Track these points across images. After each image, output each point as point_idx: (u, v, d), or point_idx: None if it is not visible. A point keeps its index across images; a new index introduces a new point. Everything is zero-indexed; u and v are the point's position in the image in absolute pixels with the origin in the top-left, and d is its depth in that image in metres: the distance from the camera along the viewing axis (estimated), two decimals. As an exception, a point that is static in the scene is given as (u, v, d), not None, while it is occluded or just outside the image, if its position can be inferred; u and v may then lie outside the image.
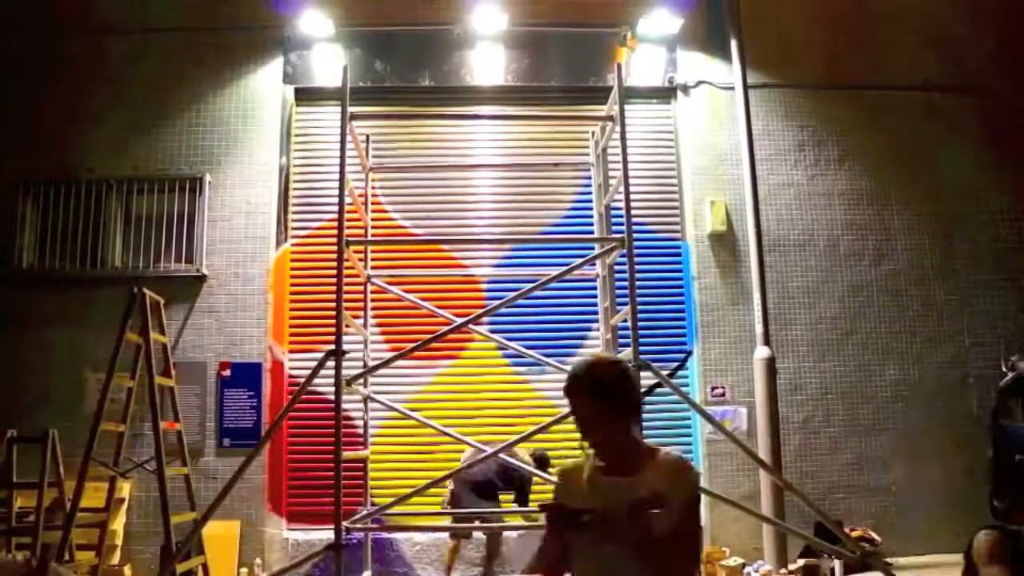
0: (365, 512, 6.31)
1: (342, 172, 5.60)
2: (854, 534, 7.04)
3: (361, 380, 6.45)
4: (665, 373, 5.69)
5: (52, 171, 7.90)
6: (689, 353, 7.91)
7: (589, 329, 7.76)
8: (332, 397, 7.17)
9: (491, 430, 7.47)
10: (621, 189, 5.70)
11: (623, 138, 5.65)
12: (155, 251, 7.87)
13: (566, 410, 5.98)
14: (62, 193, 7.84)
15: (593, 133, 7.26)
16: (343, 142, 5.64)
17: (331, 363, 5.38)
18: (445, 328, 5.97)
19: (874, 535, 7.25)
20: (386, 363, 6.87)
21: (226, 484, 5.29)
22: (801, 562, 6.78)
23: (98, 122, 8.02)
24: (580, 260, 5.91)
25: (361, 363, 6.95)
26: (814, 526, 6.53)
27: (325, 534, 7.27)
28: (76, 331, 7.62)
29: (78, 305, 7.67)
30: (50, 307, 7.67)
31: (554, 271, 5.98)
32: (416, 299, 7.12)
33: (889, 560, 7.22)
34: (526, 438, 5.73)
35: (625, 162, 5.64)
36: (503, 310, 6.81)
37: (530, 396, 7.91)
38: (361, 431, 6.92)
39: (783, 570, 6.81)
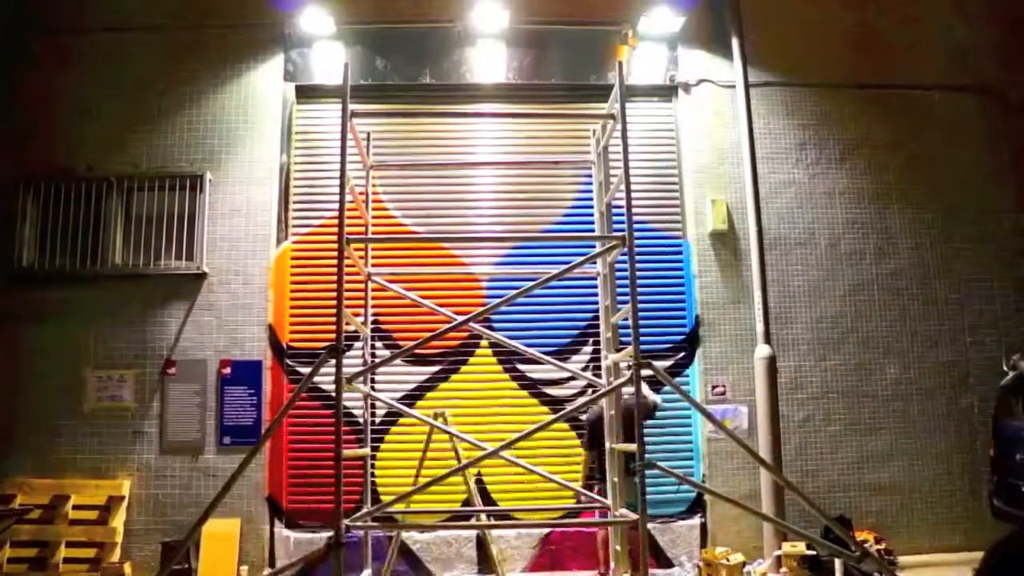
0: (365, 510, 6.32)
1: (343, 170, 5.59)
2: (859, 536, 7.04)
3: (361, 378, 6.46)
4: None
5: (52, 169, 7.89)
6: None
7: (590, 327, 7.75)
8: (333, 394, 7.23)
9: (492, 427, 7.48)
10: (622, 187, 5.68)
11: (624, 136, 5.63)
12: (156, 249, 7.87)
13: (573, 405, 5.96)
14: (63, 191, 7.83)
15: (594, 131, 7.25)
16: (343, 140, 5.63)
17: (331, 360, 5.36)
18: (446, 326, 5.96)
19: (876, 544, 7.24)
20: (386, 361, 6.88)
21: (227, 482, 5.30)
22: (787, 546, 6.78)
23: (98, 120, 8.01)
24: (581, 259, 5.90)
25: (361, 361, 6.96)
26: (822, 528, 6.53)
27: (327, 532, 7.31)
28: (77, 329, 7.62)
29: (79, 303, 7.68)
30: (51, 305, 7.67)
31: (555, 269, 5.97)
32: (417, 297, 7.12)
33: (892, 559, 7.27)
34: (527, 436, 5.72)
35: (626, 160, 5.63)
36: (504, 308, 6.82)
37: (531, 393, 7.90)
38: (361, 428, 6.92)
39: (783, 569, 6.81)
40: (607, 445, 6.36)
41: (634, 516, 5.27)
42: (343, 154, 5.60)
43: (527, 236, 8.18)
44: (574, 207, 8.22)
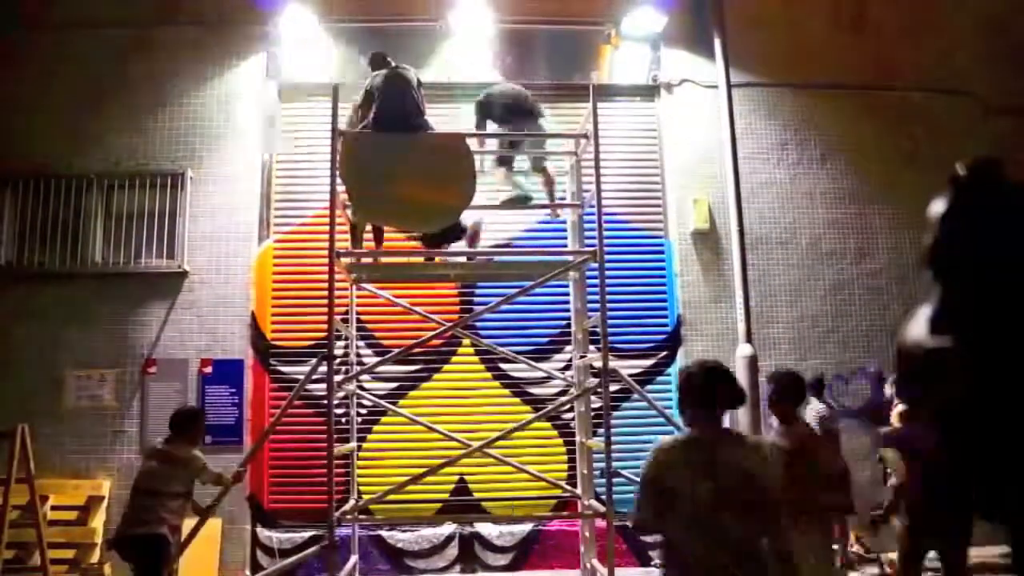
0: (352, 504, 6.36)
1: (332, 186, 5.57)
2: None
3: (350, 379, 6.51)
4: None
5: (32, 166, 7.81)
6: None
7: (569, 327, 7.75)
8: (314, 393, 7.23)
9: (474, 426, 7.46)
10: (594, 203, 5.77)
11: (596, 156, 5.75)
12: (136, 247, 7.81)
13: (548, 407, 5.99)
14: (42, 188, 7.76)
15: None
16: (333, 151, 5.61)
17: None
18: (430, 333, 6.02)
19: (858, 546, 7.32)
20: (375, 365, 6.87)
21: (221, 490, 5.34)
22: None
23: (78, 117, 7.94)
24: (553, 272, 5.98)
25: (347, 360, 6.98)
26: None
27: (307, 532, 7.30)
28: (56, 328, 7.56)
29: (58, 301, 7.61)
30: (30, 303, 7.60)
31: (535, 267, 6.02)
32: (401, 302, 7.12)
33: (872, 556, 7.35)
34: (506, 435, 5.76)
35: (598, 180, 5.73)
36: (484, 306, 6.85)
37: (513, 392, 7.90)
38: (345, 425, 6.94)
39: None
40: (588, 442, 6.38)
41: (602, 508, 5.35)
42: (333, 175, 5.60)
43: (498, 251, 7.96)
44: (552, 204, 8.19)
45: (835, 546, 6.49)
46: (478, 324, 7.68)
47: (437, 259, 6.46)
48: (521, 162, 6.84)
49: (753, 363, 7.51)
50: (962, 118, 8.64)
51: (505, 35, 8.39)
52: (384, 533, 7.42)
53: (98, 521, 7.18)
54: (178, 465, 5.20)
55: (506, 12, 8.28)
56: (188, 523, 5.38)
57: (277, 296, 7.91)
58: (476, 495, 7.64)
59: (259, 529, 7.43)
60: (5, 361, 7.47)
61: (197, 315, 7.69)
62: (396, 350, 6.32)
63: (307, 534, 7.29)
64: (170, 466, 5.18)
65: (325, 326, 5.71)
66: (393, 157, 5.69)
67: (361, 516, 6.90)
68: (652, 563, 7.42)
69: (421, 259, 6.67)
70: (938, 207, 2.34)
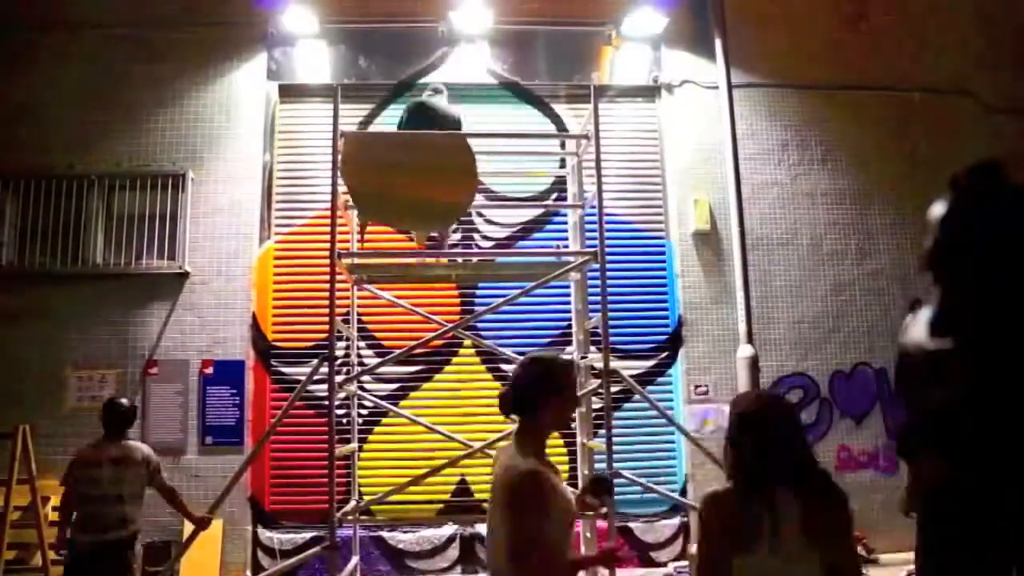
0: (353, 504, 6.36)
1: (334, 186, 5.56)
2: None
3: (351, 380, 6.51)
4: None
5: (33, 167, 7.82)
6: None
7: (570, 327, 7.75)
8: (316, 394, 7.24)
9: (476, 427, 7.46)
10: (595, 204, 5.77)
11: (598, 157, 5.72)
12: (137, 248, 7.81)
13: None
14: (43, 189, 7.76)
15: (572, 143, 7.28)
16: (335, 152, 5.60)
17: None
18: (431, 335, 6.02)
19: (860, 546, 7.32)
20: (377, 366, 6.87)
21: (226, 486, 5.33)
22: None
23: (80, 119, 7.94)
24: (554, 273, 5.97)
25: (347, 361, 6.98)
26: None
27: (308, 532, 7.31)
28: (57, 329, 7.56)
29: (59, 302, 7.61)
30: (31, 304, 7.60)
31: (535, 266, 6.02)
32: (402, 302, 7.12)
33: (874, 558, 7.35)
34: (508, 436, 5.74)
35: (599, 181, 5.72)
36: (483, 306, 6.85)
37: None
38: (346, 426, 6.92)
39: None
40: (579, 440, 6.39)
41: (603, 508, 5.35)
42: (334, 175, 5.59)
43: (500, 252, 8.09)
44: (552, 214, 8.19)
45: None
46: (479, 325, 7.67)
47: (438, 260, 6.46)
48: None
49: (754, 364, 7.51)
50: (963, 118, 8.64)
51: (505, 36, 8.38)
52: (385, 534, 7.43)
53: (99, 522, 7.16)
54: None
55: (507, 13, 8.28)
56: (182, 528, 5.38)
57: (278, 297, 7.92)
58: (477, 496, 7.63)
59: (260, 530, 7.43)
60: (6, 361, 7.47)
61: (198, 316, 7.69)
62: (397, 351, 6.32)
63: (308, 535, 7.30)
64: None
65: (326, 327, 5.71)
66: (395, 156, 5.69)
67: (362, 517, 6.91)
68: (652, 563, 7.43)
69: (422, 259, 6.65)
70: (939, 209, 2.35)
